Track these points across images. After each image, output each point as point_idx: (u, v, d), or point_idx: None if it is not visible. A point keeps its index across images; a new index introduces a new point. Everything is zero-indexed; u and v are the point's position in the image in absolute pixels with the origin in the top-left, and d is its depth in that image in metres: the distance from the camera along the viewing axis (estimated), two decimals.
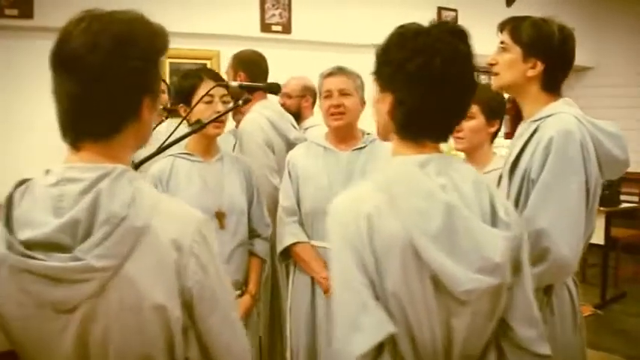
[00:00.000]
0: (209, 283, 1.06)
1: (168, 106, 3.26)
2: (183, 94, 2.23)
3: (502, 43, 1.80)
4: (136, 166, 1.59)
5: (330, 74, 2.45)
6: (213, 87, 2.17)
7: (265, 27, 4.68)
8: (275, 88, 2.46)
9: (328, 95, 2.41)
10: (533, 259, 1.42)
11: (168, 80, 3.75)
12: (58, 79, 1.02)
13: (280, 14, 4.74)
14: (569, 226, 1.61)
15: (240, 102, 2.17)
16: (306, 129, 3.41)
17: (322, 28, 4.83)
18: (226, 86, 2.28)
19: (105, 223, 0.96)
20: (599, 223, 2.97)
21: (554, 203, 1.61)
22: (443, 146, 1.32)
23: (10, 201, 1.01)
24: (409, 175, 1.19)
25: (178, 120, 2.10)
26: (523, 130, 1.79)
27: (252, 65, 3.05)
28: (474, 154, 2.29)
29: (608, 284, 5.09)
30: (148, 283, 0.99)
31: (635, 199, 5.84)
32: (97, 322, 0.99)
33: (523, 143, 1.73)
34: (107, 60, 0.98)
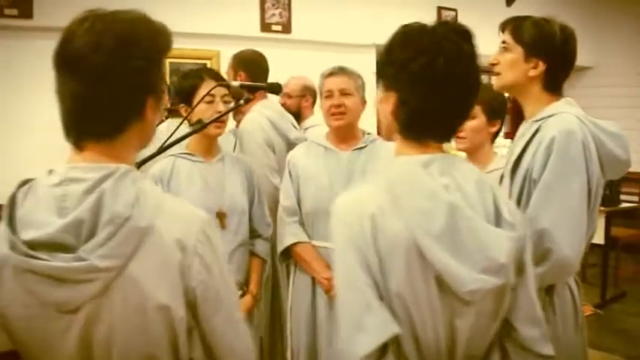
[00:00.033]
0: (213, 283, 1.06)
1: (169, 106, 3.26)
2: (184, 94, 2.22)
3: (504, 43, 1.80)
4: (137, 166, 1.59)
5: (331, 74, 2.45)
6: (215, 87, 2.17)
7: (265, 27, 4.68)
8: (276, 88, 2.46)
9: (329, 95, 2.41)
10: (535, 259, 1.42)
11: (168, 80, 3.75)
12: (61, 79, 1.02)
13: (280, 14, 4.74)
14: (571, 226, 1.61)
15: (242, 101, 2.16)
16: (307, 129, 3.41)
17: (322, 27, 4.83)
18: (227, 86, 2.28)
19: (109, 223, 0.96)
20: (600, 223, 2.97)
21: (556, 203, 1.61)
22: (443, 146, 1.32)
23: (13, 201, 1.00)
24: (412, 175, 1.19)
25: (179, 120, 2.09)
26: (525, 130, 1.78)
27: (252, 65, 3.05)
28: (475, 154, 2.29)
29: (608, 284, 5.09)
30: (152, 284, 0.99)
31: (636, 198, 5.84)
32: (101, 323, 0.98)
33: (525, 143, 1.73)
34: (110, 60, 0.98)
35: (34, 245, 0.95)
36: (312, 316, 2.43)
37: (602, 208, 4.46)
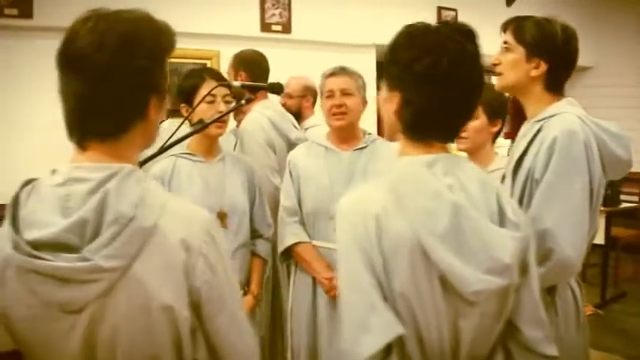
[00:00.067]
0: (217, 283, 1.06)
1: (169, 105, 3.25)
2: (185, 94, 2.22)
3: (505, 43, 1.80)
4: (139, 166, 1.58)
5: (332, 74, 2.44)
6: (216, 87, 2.16)
7: (265, 27, 4.67)
8: (277, 88, 2.45)
9: (330, 95, 2.41)
10: (537, 259, 1.41)
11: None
12: (64, 79, 1.01)
13: (280, 14, 4.73)
14: (573, 226, 1.61)
15: (243, 101, 2.16)
16: (307, 129, 3.40)
17: (322, 27, 4.83)
18: (229, 86, 2.27)
19: (113, 223, 0.95)
20: (600, 223, 2.96)
21: (558, 203, 1.61)
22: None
23: (16, 201, 1.00)
24: (416, 175, 1.18)
25: (179, 120, 2.09)
26: (526, 130, 1.78)
27: (253, 65, 3.05)
28: (476, 154, 2.28)
29: (608, 284, 5.10)
30: (156, 284, 0.99)
31: (636, 199, 5.84)
32: (105, 323, 0.98)
33: (527, 143, 1.73)
34: (113, 59, 0.98)
35: (37, 245, 0.95)
36: (313, 316, 2.42)
37: (602, 208, 4.45)
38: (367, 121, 2.63)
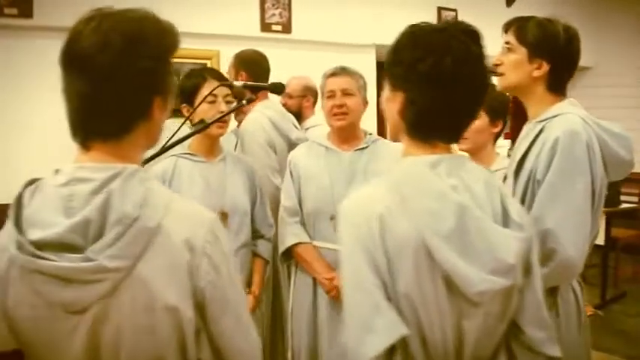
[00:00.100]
0: (221, 283, 1.05)
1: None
2: (186, 94, 2.22)
3: (507, 43, 1.79)
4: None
5: (333, 74, 2.44)
6: (217, 87, 2.16)
7: (265, 27, 4.67)
8: (279, 88, 2.45)
9: (331, 95, 2.40)
10: (539, 259, 1.41)
11: None
12: (68, 78, 1.01)
13: (280, 14, 4.73)
14: (576, 227, 1.61)
15: (244, 101, 2.16)
16: (308, 129, 3.40)
17: (322, 27, 4.82)
18: (230, 86, 2.27)
19: (117, 223, 0.95)
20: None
21: (561, 204, 1.61)
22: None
23: (19, 200, 1.00)
24: (420, 176, 1.18)
25: (180, 120, 2.08)
26: (528, 130, 1.78)
27: (253, 65, 3.05)
28: (477, 154, 2.28)
29: (608, 284, 5.11)
30: (160, 284, 0.99)
31: (635, 199, 5.84)
32: (109, 323, 0.98)
33: (529, 144, 1.72)
34: (117, 59, 0.97)
35: (41, 245, 0.94)
36: (313, 317, 2.42)
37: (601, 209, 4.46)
38: (367, 121, 2.63)
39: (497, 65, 1.81)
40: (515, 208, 1.22)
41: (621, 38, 6.65)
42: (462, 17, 5.56)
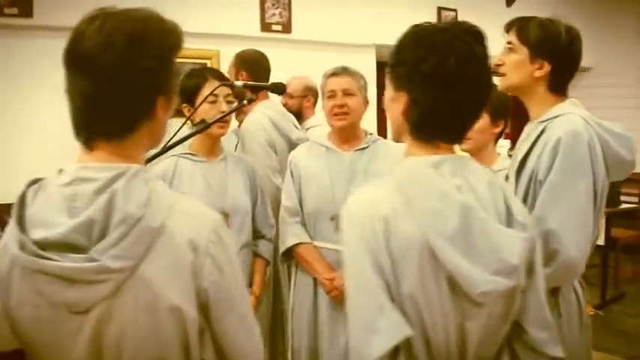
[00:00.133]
0: (225, 284, 1.05)
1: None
2: (187, 94, 2.21)
3: (509, 43, 1.79)
4: None
5: (333, 74, 2.44)
6: (218, 86, 2.16)
7: (265, 26, 4.66)
8: (280, 88, 2.44)
9: (332, 95, 2.40)
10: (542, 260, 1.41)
11: None
12: (71, 78, 1.01)
13: (280, 14, 4.72)
14: (578, 228, 1.61)
15: (245, 101, 2.15)
16: (308, 129, 3.40)
17: (322, 27, 4.82)
18: (231, 86, 2.27)
19: (121, 223, 0.95)
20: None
21: (563, 204, 1.60)
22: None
23: (22, 200, 1.00)
24: (423, 176, 1.18)
25: (181, 120, 2.08)
26: (530, 130, 1.78)
27: (254, 65, 3.04)
28: (478, 154, 2.27)
29: (608, 285, 5.11)
30: (163, 284, 0.98)
31: (635, 199, 5.84)
32: (112, 324, 0.97)
33: (530, 144, 1.72)
34: (120, 59, 0.97)
35: (44, 245, 0.94)
36: (314, 317, 2.42)
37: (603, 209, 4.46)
38: (367, 121, 2.62)
39: (498, 65, 1.81)
40: (518, 208, 1.22)
41: (621, 38, 6.65)
42: (462, 17, 5.56)
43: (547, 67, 1.73)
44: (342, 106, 2.37)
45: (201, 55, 4.26)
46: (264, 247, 2.43)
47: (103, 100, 0.99)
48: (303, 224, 2.46)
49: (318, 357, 2.39)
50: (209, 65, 3.99)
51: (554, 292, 1.70)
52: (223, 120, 2.15)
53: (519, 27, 1.77)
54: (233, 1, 4.48)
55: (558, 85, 1.77)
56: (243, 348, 1.09)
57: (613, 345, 4.08)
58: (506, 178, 1.84)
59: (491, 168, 2.21)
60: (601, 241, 4.79)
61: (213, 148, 2.29)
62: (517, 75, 1.77)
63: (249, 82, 2.70)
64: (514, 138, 2.05)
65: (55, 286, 0.94)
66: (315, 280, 2.40)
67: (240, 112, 2.95)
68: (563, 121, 1.67)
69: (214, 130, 2.16)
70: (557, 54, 1.72)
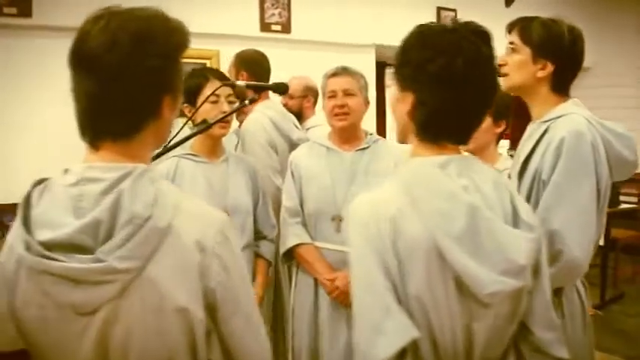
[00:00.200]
0: (232, 284, 1.04)
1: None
2: (189, 94, 2.20)
3: (511, 43, 1.79)
4: None
5: (334, 74, 2.43)
6: (220, 86, 2.15)
7: (265, 26, 4.66)
8: (282, 88, 2.43)
9: (332, 95, 2.40)
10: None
11: None
12: (76, 78, 1.00)
13: (280, 14, 4.72)
14: (581, 228, 1.60)
15: (247, 101, 2.15)
16: (309, 129, 3.40)
17: (322, 27, 4.82)
18: (232, 86, 2.26)
19: (127, 223, 0.94)
20: None
21: (566, 205, 1.60)
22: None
23: (27, 200, 0.99)
24: (430, 177, 1.18)
25: (183, 120, 2.07)
26: (532, 130, 1.78)
27: (254, 65, 3.04)
28: (480, 154, 2.25)
29: (608, 285, 5.11)
30: (170, 285, 0.98)
31: (635, 199, 5.84)
32: (118, 325, 0.97)
33: (533, 144, 1.72)
34: (125, 59, 0.97)
35: (50, 246, 0.93)
36: (315, 318, 2.41)
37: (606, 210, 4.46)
38: (367, 121, 2.62)
39: (501, 65, 1.80)
40: (524, 209, 1.21)
41: (621, 38, 6.65)
42: (462, 17, 5.54)
43: (550, 68, 1.73)
44: (342, 106, 2.36)
45: (200, 55, 4.26)
46: (266, 248, 2.42)
47: (109, 99, 0.98)
48: (304, 224, 2.45)
49: (319, 357, 2.39)
50: (209, 65, 3.99)
51: (557, 293, 1.70)
52: (225, 120, 2.15)
53: (522, 27, 1.77)
54: (232, 1, 4.47)
55: (561, 85, 1.77)
56: (249, 348, 1.09)
57: (613, 345, 4.08)
58: (509, 177, 1.84)
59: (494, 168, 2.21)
60: (601, 242, 4.78)
61: (214, 149, 2.28)
62: (520, 75, 1.77)
63: (252, 82, 2.69)
64: (514, 138, 2.05)
65: (61, 286, 0.94)
66: (315, 280, 2.40)
67: (240, 112, 2.94)
68: (567, 121, 1.66)
69: (216, 130, 2.15)
70: (560, 54, 1.72)
